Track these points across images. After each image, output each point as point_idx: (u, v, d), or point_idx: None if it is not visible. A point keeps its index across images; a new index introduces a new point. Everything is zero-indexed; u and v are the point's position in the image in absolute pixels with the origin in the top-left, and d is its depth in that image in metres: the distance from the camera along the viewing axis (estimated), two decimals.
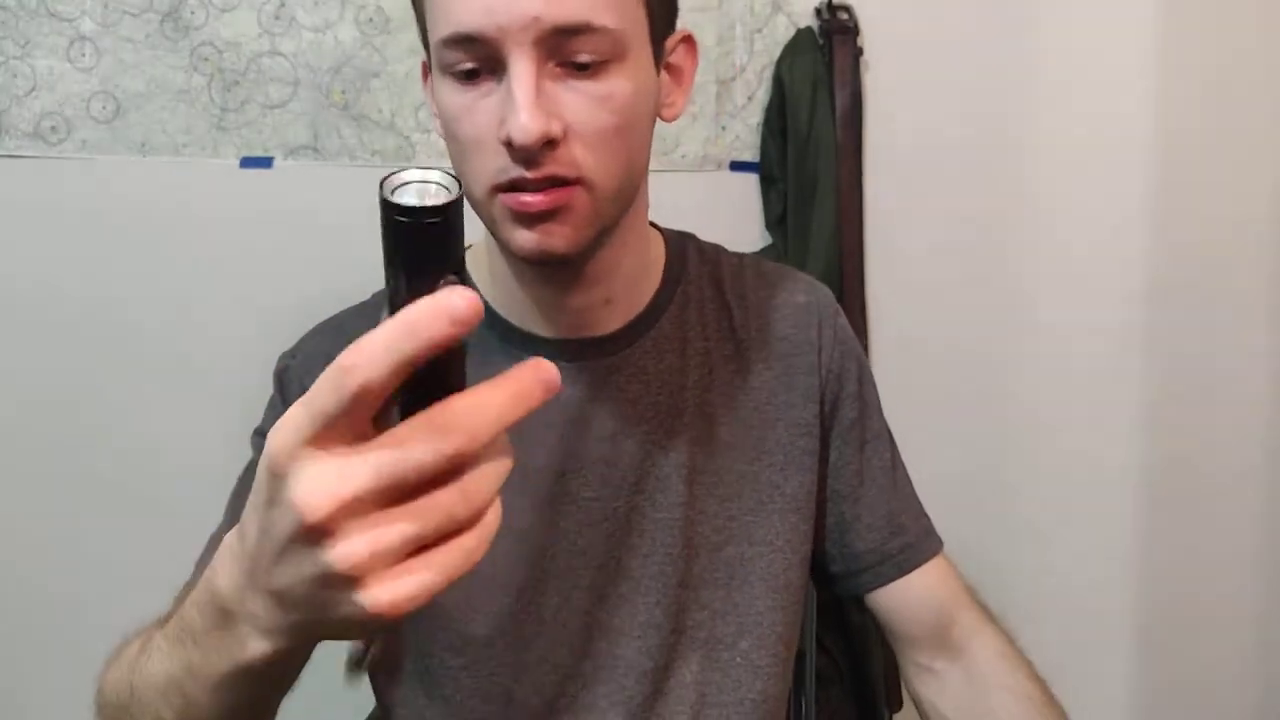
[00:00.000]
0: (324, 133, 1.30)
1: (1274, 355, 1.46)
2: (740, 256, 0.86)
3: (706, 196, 1.35)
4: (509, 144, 0.62)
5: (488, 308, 0.76)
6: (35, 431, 1.31)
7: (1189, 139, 1.41)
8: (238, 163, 1.29)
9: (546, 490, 0.75)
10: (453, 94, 0.65)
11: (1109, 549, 1.48)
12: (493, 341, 0.76)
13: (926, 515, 0.87)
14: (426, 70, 0.72)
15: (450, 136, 0.67)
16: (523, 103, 0.61)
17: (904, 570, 0.83)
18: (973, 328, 1.42)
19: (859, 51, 1.33)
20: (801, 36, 1.33)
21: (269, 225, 1.31)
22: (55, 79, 1.26)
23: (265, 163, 1.30)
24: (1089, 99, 1.39)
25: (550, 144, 0.63)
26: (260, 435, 0.79)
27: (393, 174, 0.38)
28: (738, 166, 1.36)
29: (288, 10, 1.28)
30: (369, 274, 0.85)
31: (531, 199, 0.64)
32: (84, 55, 1.26)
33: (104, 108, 1.27)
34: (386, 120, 1.30)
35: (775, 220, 1.35)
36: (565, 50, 0.63)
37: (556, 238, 0.66)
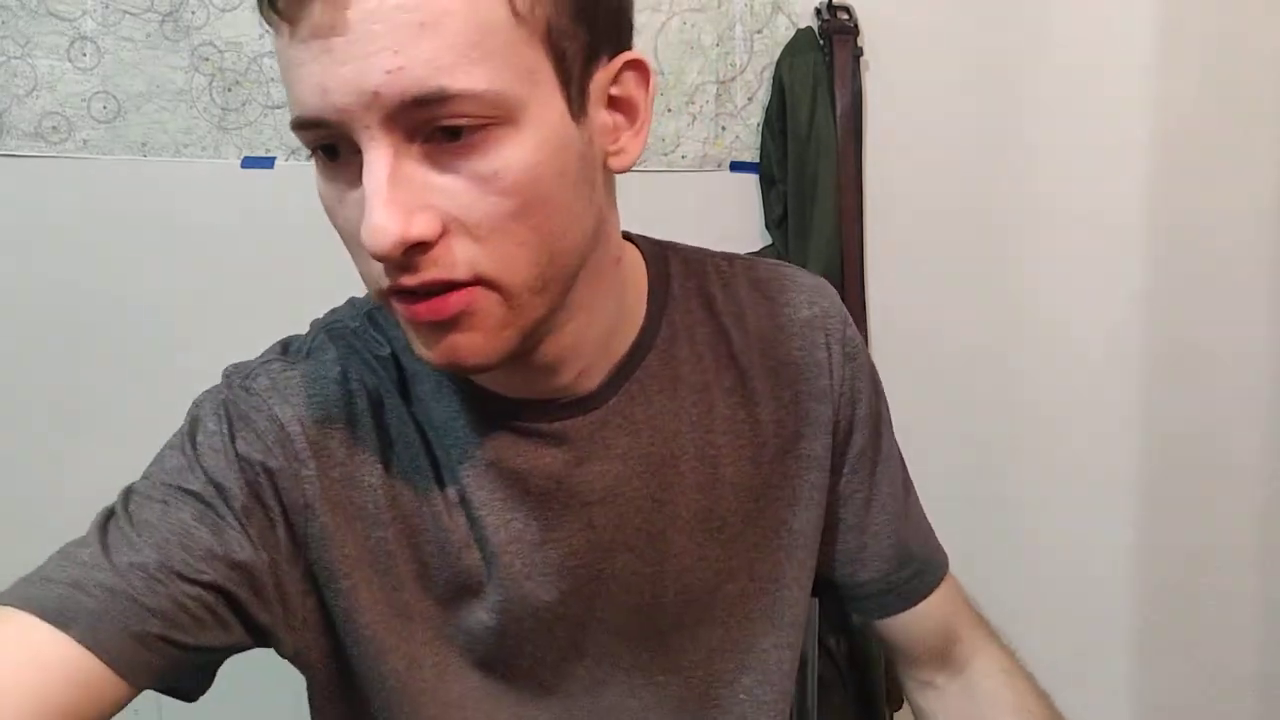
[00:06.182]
0: None
1: (1275, 354, 1.46)
2: (730, 262, 0.75)
3: (706, 196, 1.35)
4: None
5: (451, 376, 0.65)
6: (34, 431, 1.31)
7: (1189, 138, 1.41)
8: (239, 163, 1.30)
9: (522, 563, 0.66)
10: (321, 183, 0.55)
11: (1108, 547, 1.48)
12: (453, 404, 0.64)
13: (933, 534, 0.82)
14: None
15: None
16: (374, 202, 0.49)
17: (911, 602, 0.79)
18: (973, 327, 1.42)
19: (859, 51, 1.33)
20: (801, 36, 1.33)
21: (270, 226, 1.31)
22: (56, 79, 1.26)
23: (267, 163, 1.30)
24: (1088, 97, 1.39)
25: (421, 245, 0.51)
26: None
27: None
28: (738, 167, 1.36)
29: None
30: None
31: (418, 308, 0.53)
32: (84, 55, 1.26)
33: (104, 108, 1.27)
34: None
35: (775, 221, 1.36)
36: (427, 120, 0.50)
37: (464, 350, 0.54)
